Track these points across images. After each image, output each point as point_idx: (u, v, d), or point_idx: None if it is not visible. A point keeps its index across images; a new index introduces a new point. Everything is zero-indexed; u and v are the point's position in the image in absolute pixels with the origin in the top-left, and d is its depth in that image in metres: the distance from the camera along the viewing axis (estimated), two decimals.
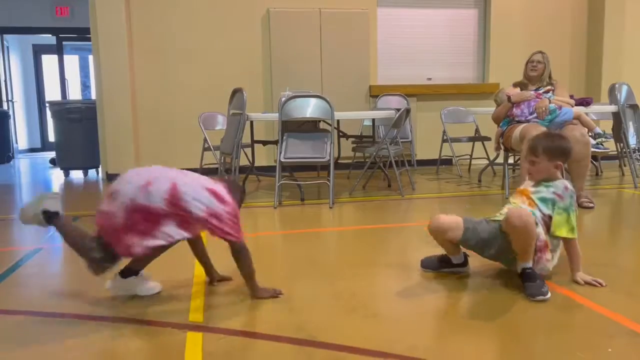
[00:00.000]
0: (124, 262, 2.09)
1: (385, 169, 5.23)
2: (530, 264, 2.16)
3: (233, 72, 6.38)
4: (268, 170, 5.30)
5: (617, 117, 5.21)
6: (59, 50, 9.42)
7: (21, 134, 10.35)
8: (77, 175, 6.72)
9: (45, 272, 2.70)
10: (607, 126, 5.45)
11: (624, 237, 3.40)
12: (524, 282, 2.15)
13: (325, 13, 6.45)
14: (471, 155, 6.31)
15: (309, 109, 4.37)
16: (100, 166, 6.55)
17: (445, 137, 5.97)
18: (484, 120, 5.82)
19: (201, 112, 5.62)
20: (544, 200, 2.28)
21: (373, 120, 5.66)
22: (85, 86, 11.30)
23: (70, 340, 1.81)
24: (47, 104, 7.37)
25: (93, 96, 6.60)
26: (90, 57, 6.95)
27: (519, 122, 4.21)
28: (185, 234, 1.99)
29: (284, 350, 1.70)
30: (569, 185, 2.32)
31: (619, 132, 5.18)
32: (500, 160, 5.12)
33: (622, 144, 5.30)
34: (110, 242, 1.94)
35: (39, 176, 7.00)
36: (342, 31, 6.51)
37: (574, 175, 4.08)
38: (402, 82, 6.82)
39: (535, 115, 4.13)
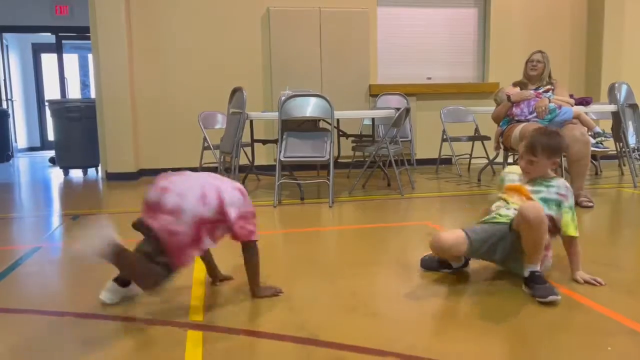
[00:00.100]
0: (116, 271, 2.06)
1: (385, 168, 5.23)
2: (538, 266, 2.13)
3: (233, 71, 6.38)
4: (268, 169, 5.30)
5: (616, 117, 5.22)
6: (58, 49, 9.42)
7: (20, 133, 10.35)
8: (76, 174, 6.72)
9: (44, 271, 2.70)
10: (606, 125, 5.46)
11: (623, 237, 3.40)
12: (531, 284, 2.10)
13: (325, 12, 6.45)
14: (471, 155, 6.32)
15: (309, 108, 4.37)
16: (99, 165, 6.55)
17: (444, 137, 5.97)
18: (484, 120, 5.82)
19: (201, 111, 5.62)
20: (546, 200, 2.27)
21: (373, 119, 5.66)
22: (84, 85, 11.30)
23: (70, 339, 1.81)
24: (46, 103, 7.36)
25: (92, 95, 6.59)
26: (90, 56, 6.94)
27: (519, 121, 4.22)
28: (214, 244, 1.98)
29: (285, 349, 1.70)
30: (567, 184, 2.32)
31: (618, 132, 5.19)
32: (499, 159, 5.12)
33: (621, 144, 5.30)
34: (173, 257, 1.89)
35: (39, 175, 6.99)
36: (342, 30, 6.51)
37: (573, 174, 4.08)
38: (402, 81, 6.82)
39: (535, 114, 4.14)
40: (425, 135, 6.75)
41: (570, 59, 7.20)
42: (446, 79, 7.04)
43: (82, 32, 8.41)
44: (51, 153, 7.63)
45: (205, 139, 5.38)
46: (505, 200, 2.37)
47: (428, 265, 2.46)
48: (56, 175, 6.69)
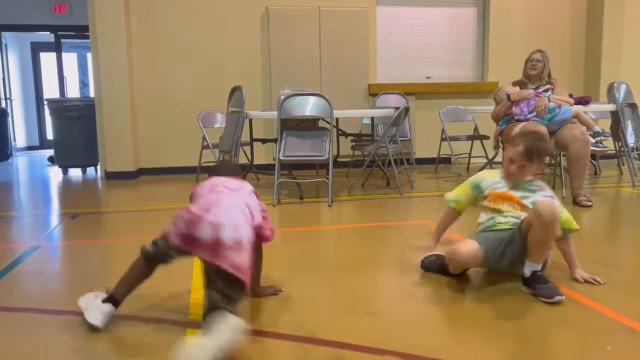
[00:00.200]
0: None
1: (384, 168, 5.23)
2: (540, 266, 2.12)
3: (232, 69, 6.38)
4: (267, 168, 5.30)
5: (615, 116, 5.22)
6: (57, 47, 9.40)
7: (19, 132, 10.35)
8: (75, 173, 6.72)
9: (44, 270, 2.70)
10: (605, 125, 5.46)
11: (622, 236, 3.40)
12: (533, 284, 2.09)
13: (324, 11, 6.44)
14: (470, 154, 6.32)
15: (308, 107, 4.36)
16: (98, 164, 6.54)
17: (444, 136, 5.97)
18: (483, 119, 5.83)
19: (200, 110, 5.62)
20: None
21: (372, 118, 5.66)
22: (83, 84, 11.28)
23: (69, 337, 1.81)
24: (45, 102, 7.35)
25: (91, 94, 6.59)
26: (89, 55, 6.93)
27: (519, 120, 4.22)
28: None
29: (284, 347, 1.70)
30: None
31: (617, 131, 5.19)
32: (498, 158, 5.12)
33: (620, 143, 5.31)
34: (244, 284, 1.83)
35: (37, 174, 6.99)
36: (341, 29, 6.51)
37: (573, 173, 4.09)
38: (401, 80, 6.83)
39: (534, 114, 4.14)
40: (424, 135, 6.75)
41: (570, 58, 7.21)
42: (445, 78, 7.04)
43: (81, 31, 8.41)
44: (50, 152, 7.63)
45: (204, 138, 5.38)
46: (497, 210, 2.30)
47: (428, 267, 2.43)
48: (55, 174, 6.68)
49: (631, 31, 7.08)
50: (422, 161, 6.66)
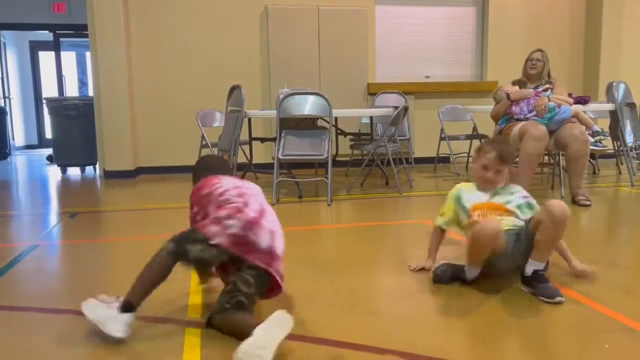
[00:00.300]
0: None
1: (383, 167, 5.24)
2: (542, 265, 2.12)
3: (231, 68, 6.38)
4: (266, 167, 5.29)
5: (614, 116, 5.23)
6: (56, 46, 9.39)
7: (18, 131, 10.33)
8: (74, 172, 6.71)
9: (42, 269, 2.70)
10: (604, 124, 5.46)
11: (621, 235, 3.40)
12: (534, 283, 2.09)
13: (323, 10, 6.44)
14: (469, 153, 6.32)
15: (307, 106, 4.36)
16: (97, 163, 6.54)
17: (443, 135, 5.97)
18: (482, 118, 5.83)
19: (199, 109, 5.61)
20: (519, 207, 2.29)
21: (371, 117, 5.66)
22: (82, 83, 11.26)
23: (68, 336, 1.81)
24: (44, 101, 7.35)
25: (90, 93, 6.58)
26: (88, 54, 6.92)
27: (518, 119, 4.22)
28: None
29: (284, 346, 1.70)
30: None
31: (616, 131, 5.20)
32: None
33: (619, 142, 5.31)
34: (281, 291, 1.90)
35: (36, 173, 6.98)
36: (340, 28, 6.51)
37: (571, 172, 4.09)
38: (400, 79, 6.82)
39: (534, 113, 4.14)
40: (423, 134, 6.75)
41: (569, 58, 7.21)
42: (444, 78, 7.04)
43: (79, 30, 8.38)
44: (49, 151, 7.62)
45: (203, 137, 5.38)
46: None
47: (441, 278, 2.28)
48: (54, 173, 6.67)
49: (630, 31, 7.08)
50: (421, 160, 6.66)
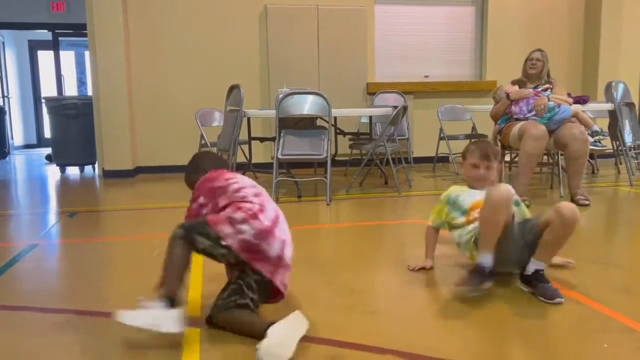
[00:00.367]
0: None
1: (382, 166, 5.24)
2: (544, 265, 2.11)
3: (230, 68, 6.37)
4: (265, 167, 5.29)
5: (613, 115, 5.23)
6: (55, 46, 9.37)
7: (17, 130, 10.32)
8: (73, 171, 6.70)
9: (41, 268, 2.69)
10: (603, 124, 5.47)
11: (620, 235, 3.41)
12: (535, 282, 2.09)
13: (322, 10, 6.44)
14: None
15: (306, 105, 4.36)
16: (96, 162, 6.53)
17: (442, 135, 5.98)
18: (481, 118, 5.83)
19: (198, 109, 5.61)
20: (516, 202, 2.28)
21: (370, 117, 5.66)
22: (81, 82, 11.25)
23: (67, 335, 1.81)
24: (43, 100, 7.34)
25: (89, 92, 6.58)
26: (87, 53, 6.92)
27: (518, 119, 4.22)
28: None
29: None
30: None
31: (615, 130, 5.20)
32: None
33: (618, 142, 5.32)
34: (283, 298, 1.90)
35: (35, 172, 6.97)
36: (339, 28, 6.50)
37: (571, 172, 4.09)
38: (399, 79, 6.82)
39: (533, 112, 4.14)
40: (422, 134, 6.75)
41: (568, 57, 7.21)
42: (443, 77, 7.04)
43: (78, 29, 8.37)
44: (48, 150, 7.61)
45: (202, 137, 5.37)
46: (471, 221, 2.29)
47: (475, 283, 2.08)
48: (53, 173, 6.67)
49: (629, 30, 7.08)
50: (420, 160, 6.66)
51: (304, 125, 4.79)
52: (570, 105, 4.36)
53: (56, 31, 9.26)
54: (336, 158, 5.73)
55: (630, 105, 5.31)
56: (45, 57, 10.61)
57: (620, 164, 5.78)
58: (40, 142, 10.79)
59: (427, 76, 7.02)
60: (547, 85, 4.32)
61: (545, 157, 5.12)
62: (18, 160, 8.53)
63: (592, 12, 7.11)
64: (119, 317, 1.64)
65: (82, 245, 3.14)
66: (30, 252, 2.93)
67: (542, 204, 3.99)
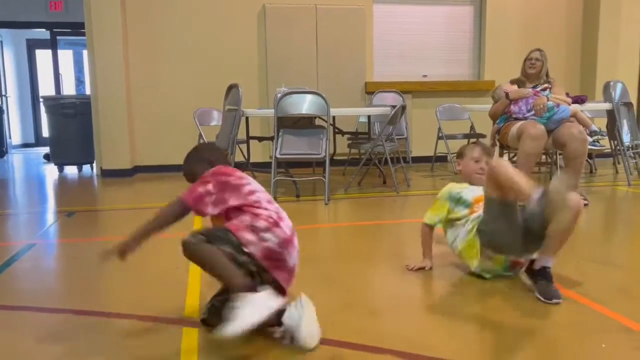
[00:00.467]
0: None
1: (381, 166, 5.24)
2: (551, 262, 2.10)
3: (228, 67, 6.36)
4: (263, 166, 5.29)
5: (611, 115, 5.23)
6: (53, 45, 9.36)
7: (15, 129, 10.30)
8: (71, 170, 6.69)
9: (39, 268, 2.69)
10: (601, 124, 5.47)
11: (618, 234, 3.41)
12: (539, 278, 2.08)
13: (321, 9, 6.43)
14: None
15: (305, 105, 4.36)
16: (94, 162, 6.52)
17: (440, 134, 5.98)
18: (479, 117, 5.83)
19: (196, 108, 5.60)
20: None
21: (369, 116, 5.66)
22: (79, 81, 11.24)
23: (66, 335, 1.80)
24: (41, 99, 7.32)
25: (87, 91, 6.57)
26: (85, 52, 6.91)
27: (517, 119, 4.22)
28: None
29: (281, 345, 1.70)
30: None
31: (613, 130, 5.20)
32: (496, 156, 5.12)
33: (616, 142, 5.32)
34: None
35: (33, 172, 6.96)
36: (338, 27, 6.50)
37: (569, 171, 4.09)
38: (398, 79, 6.82)
39: (532, 112, 4.14)
40: (420, 133, 6.75)
41: (566, 57, 7.21)
42: (442, 77, 7.04)
43: (76, 28, 8.36)
44: (46, 149, 7.60)
45: (200, 136, 5.36)
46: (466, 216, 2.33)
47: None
48: (51, 172, 6.65)
49: (627, 30, 7.08)
50: (418, 159, 6.66)
51: (303, 124, 4.78)
52: (569, 105, 4.36)
53: (54, 30, 9.25)
54: (334, 157, 5.72)
55: (629, 105, 5.31)
56: (43, 56, 10.59)
57: (619, 163, 5.79)
58: (38, 141, 10.78)
59: (425, 76, 7.01)
60: (546, 85, 4.32)
61: (543, 157, 5.13)
62: (16, 160, 8.51)
63: (590, 12, 7.11)
64: (228, 331, 1.52)
65: (80, 245, 3.14)
66: (28, 252, 2.92)
67: None
